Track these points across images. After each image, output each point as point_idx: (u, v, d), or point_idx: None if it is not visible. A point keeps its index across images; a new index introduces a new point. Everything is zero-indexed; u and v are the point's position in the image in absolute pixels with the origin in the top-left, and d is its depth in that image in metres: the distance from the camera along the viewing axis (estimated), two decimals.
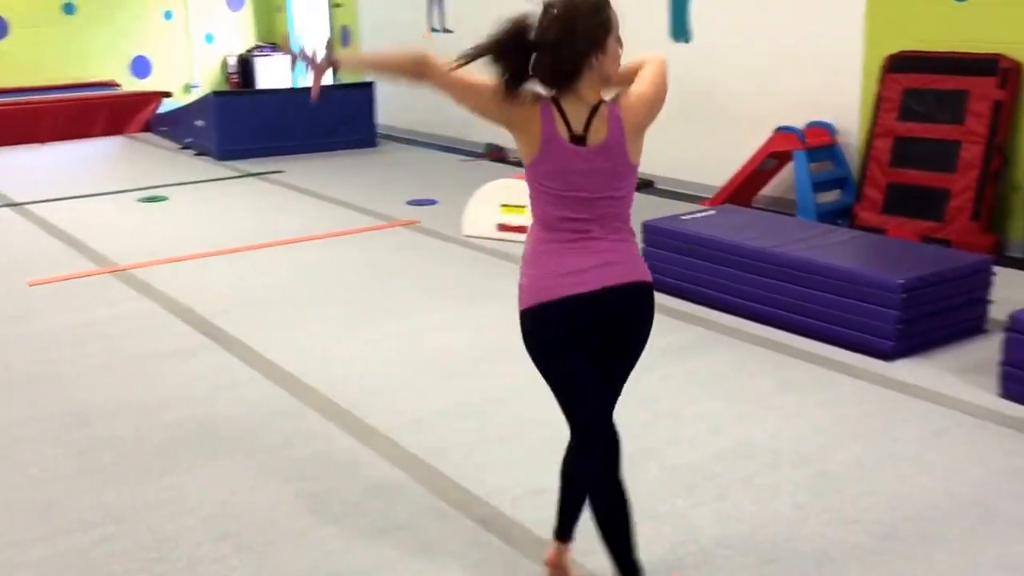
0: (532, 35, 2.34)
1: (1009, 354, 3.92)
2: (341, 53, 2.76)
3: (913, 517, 3.06)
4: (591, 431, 2.49)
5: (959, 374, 4.19)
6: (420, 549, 2.97)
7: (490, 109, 2.41)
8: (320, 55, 2.55)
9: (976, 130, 6.06)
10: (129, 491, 3.34)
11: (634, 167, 2.44)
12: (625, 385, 2.56)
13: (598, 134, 2.38)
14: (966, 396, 3.97)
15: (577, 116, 2.37)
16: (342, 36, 12.65)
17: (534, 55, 2.33)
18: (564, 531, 2.71)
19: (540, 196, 2.43)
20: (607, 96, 2.44)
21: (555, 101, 2.38)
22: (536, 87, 2.39)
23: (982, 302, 4.68)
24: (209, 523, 3.14)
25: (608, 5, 2.37)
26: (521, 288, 2.46)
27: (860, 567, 2.82)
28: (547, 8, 2.34)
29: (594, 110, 2.38)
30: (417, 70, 2.44)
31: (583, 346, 2.43)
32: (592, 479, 2.52)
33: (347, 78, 12.29)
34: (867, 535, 2.97)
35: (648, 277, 2.47)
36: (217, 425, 3.85)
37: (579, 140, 2.37)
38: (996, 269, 4.79)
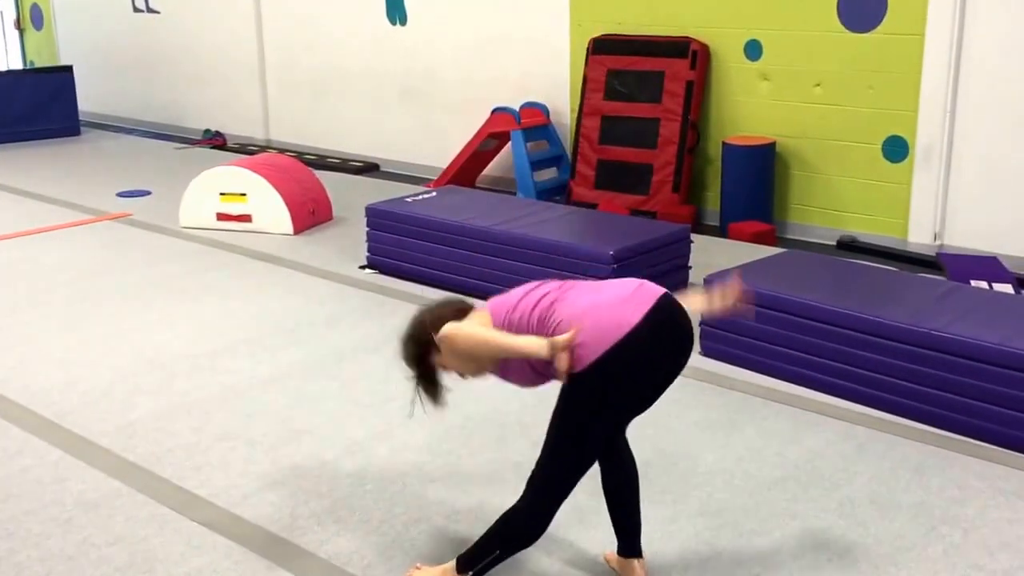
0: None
1: None
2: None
3: None
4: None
5: None
6: (141, 560, 2.82)
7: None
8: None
9: (672, 108, 6.52)
10: None
11: None
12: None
13: None
14: None
15: None
16: (32, 15, 11.62)
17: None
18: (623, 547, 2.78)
19: None
20: None
21: None
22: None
23: (683, 268, 5.06)
24: None
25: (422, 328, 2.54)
26: None
27: (580, 527, 2.97)
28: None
29: None
30: None
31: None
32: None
33: (41, 60, 11.36)
34: (585, 495, 3.11)
35: None
36: None
37: None
38: (694, 237, 5.19)
